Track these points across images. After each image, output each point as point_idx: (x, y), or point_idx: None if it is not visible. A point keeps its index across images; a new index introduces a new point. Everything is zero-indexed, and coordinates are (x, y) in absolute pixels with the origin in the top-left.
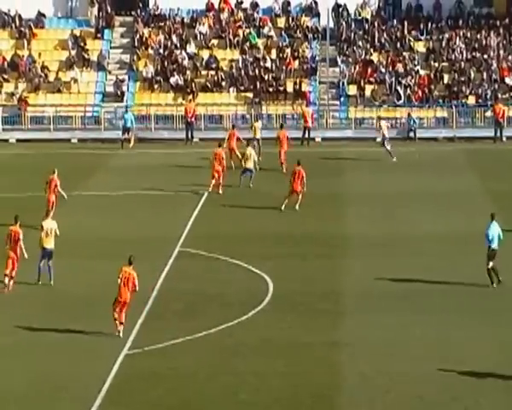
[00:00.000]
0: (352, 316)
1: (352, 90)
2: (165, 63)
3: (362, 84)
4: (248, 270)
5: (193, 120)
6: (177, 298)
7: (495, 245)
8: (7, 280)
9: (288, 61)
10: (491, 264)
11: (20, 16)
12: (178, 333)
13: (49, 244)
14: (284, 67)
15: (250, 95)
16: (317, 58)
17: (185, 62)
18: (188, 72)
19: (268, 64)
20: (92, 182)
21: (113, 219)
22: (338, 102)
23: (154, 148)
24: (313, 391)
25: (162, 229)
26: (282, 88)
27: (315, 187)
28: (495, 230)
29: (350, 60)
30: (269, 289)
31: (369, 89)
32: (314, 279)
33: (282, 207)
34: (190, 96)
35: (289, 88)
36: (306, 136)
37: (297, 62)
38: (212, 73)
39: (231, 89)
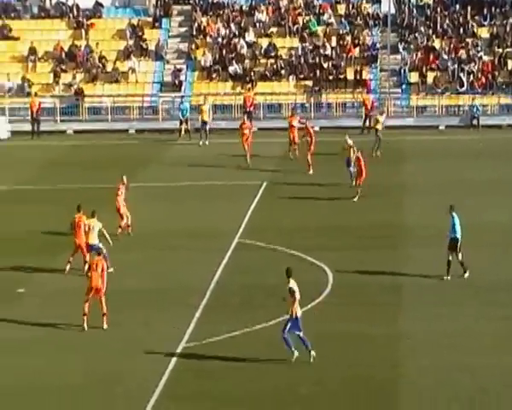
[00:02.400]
0: (413, 308)
1: (414, 77)
2: (224, 52)
3: (424, 71)
4: (307, 261)
5: (251, 109)
6: (235, 290)
7: (455, 235)
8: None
9: (348, 48)
10: (451, 256)
11: (77, 6)
12: (236, 326)
13: (93, 240)
14: (344, 55)
15: (309, 83)
16: (377, 45)
17: (244, 51)
18: (246, 60)
19: (328, 52)
20: (149, 173)
21: (170, 210)
22: (399, 90)
23: (212, 138)
24: (374, 384)
25: (220, 220)
26: (342, 76)
27: (376, 176)
28: (456, 220)
29: (411, 46)
30: (328, 280)
31: (431, 76)
32: (374, 271)
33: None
34: (249, 85)
35: (350, 76)
36: (367, 124)
37: (357, 50)
38: (272, 61)
39: (290, 77)
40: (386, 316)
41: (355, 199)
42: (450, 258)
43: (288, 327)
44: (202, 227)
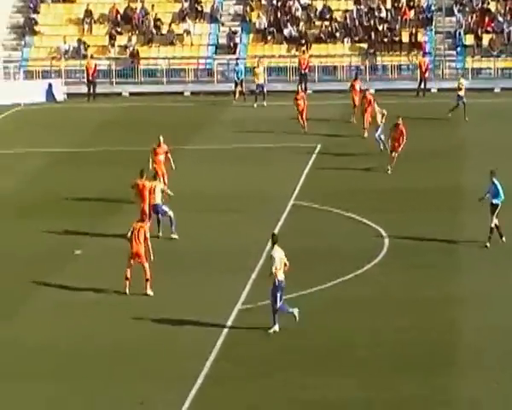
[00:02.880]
0: (469, 270)
1: (469, 39)
2: (279, 14)
3: (479, 33)
4: (363, 223)
5: (306, 71)
6: (290, 252)
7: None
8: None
9: (403, 10)
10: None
11: None
12: (292, 288)
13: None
14: (399, 17)
15: (364, 46)
16: (432, 7)
17: (298, 13)
18: (301, 23)
19: (383, 14)
20: (204, 135)
21: (224, 173)
22: (454, 53)
23: (267, 100)
24: (430, 347)
25: (275, 183)
26: (397, 38)
27: (431, 139)
28: (498, 186)
29: (467, 9)
30: (384, 242)
31: (486, 38)
32: (430, 233)
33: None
34: (304, 48)
35: (404, 38)
36: (422, 86)
37: (412, 12)
38: (326, 23)
39: (345, 40)
40: (442, 279)
41: (389, 171)
42: (493, 224)
43: (278, 297)
44: (257, 190)
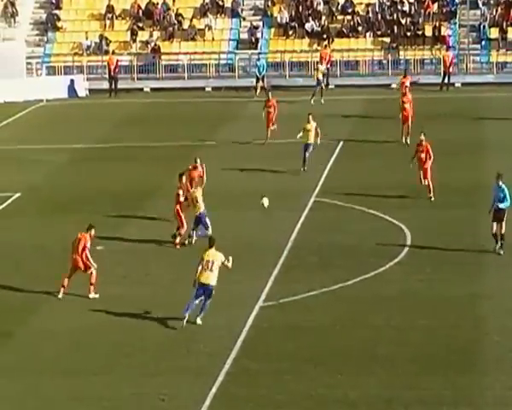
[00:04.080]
0: (494, 268)
1: (494, 33)
2: (300, 8)
3: (504, 26)
4: (385, 220)
5: (328, 66)
6: (312, 249)
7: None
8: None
9: (426, 4)
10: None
11: None
12: (314, 285)
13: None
14: (423, 11)
15: (387, 40)
16: (457, 0)
17: (320, 7)
18: (323, 17)
19: (406, 8)
20: (226, 131)
21: (246, 169)
22: (479, 46)
23: (289, 95)
24: (454, 346)
25: (296, 179)
26: (420, 32)
27: (454, 134)
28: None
29: (491, 2)
30: (407, 239)
31: (511, 32)
32: (453, 230)
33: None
34: (326, 42)
35: (428, 32)
36: (446, 81)
37: (436, 5)
38: (348, 17)
39: (368, 34)
40: (467, 277)
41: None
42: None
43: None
44: (279, 186)
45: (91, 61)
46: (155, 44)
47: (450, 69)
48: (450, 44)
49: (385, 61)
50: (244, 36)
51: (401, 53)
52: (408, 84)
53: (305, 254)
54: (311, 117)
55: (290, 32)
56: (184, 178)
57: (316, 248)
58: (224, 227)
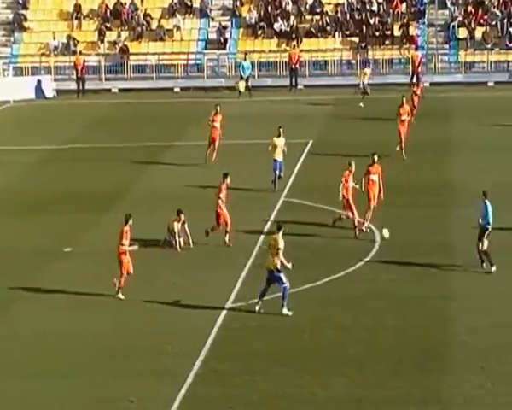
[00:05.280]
0: (463, 269)
1: (462, 33)
2: (269, 9)
3: (472, 26)
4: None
5: (297, 66)
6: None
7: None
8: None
9: (395, 3)
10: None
11: None
12: None
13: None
14: (391, 11)
15: (356, 40)
16: (425, 0)
17: (289, 7)
18: (292, 17)
19: (374, 7)
20: (194, 131)
21: (216, 169)
22: (447, 46)
23: (258, 95)
24: (423, 346)
25: (265, 179)
26: (388, 32)
27: (423, 134)
28: (489, 208)
29: (460, 1)
30: (376, 239)
31: (479, 31)
32: (422, 230)
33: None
34: (294, 42)
35: (396, 32)
36: (414, 80)
37: (404, 5)
38: (317, 17)
39: (336, 34)
40: (436, 276)
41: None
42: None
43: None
44: (248, 186)
45: (59, 62)
46: (123, 45)
47: (419, 69)
48: (419, 44)
49: (354, 61)
50: (213, 36)
51: (370, 53)
52: (419, 92)
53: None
54: (281, 130)
55: (259, 32)
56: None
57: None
58: (193, 228)
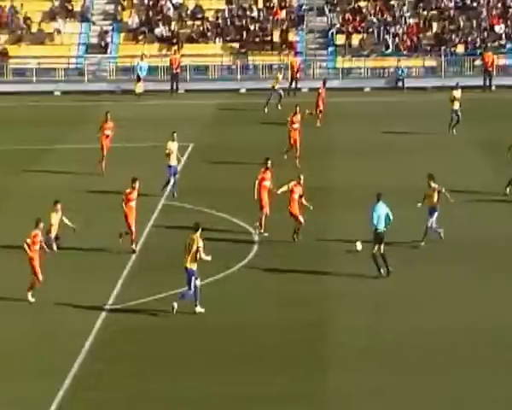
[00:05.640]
0: (341, 268)
1: (340, 39)
2: (150, 14)
3: (350, 33)
4: (234, 223)
5: (178, 71)
6: (161, 252)
7: (381, 227)
8: None
9: (275, 10)
10: (376, 248)
11: None
12: (162, 288)
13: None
14: (271, 17)
15: (236, 45)
16: (304, 7)
17: (170, 13)
18: (173, 22)
19: (254, 14)
20: (76, 135)
21: (96, 172)
22: (325, 52)
23: (139, 100)
24: (303, 344)
25: (146, 182)
26: (268, 38)
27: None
28: (381, 211)
29: (338, 8)
30: (255, 241)
31: (356, 38)
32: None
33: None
34: (175, 47)
35: (276, 38)
36: (293, 86)
37: (284, 12)
38: (198, 23)
39: (217, 39)
40: (316, 276)
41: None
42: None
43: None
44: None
45: None
46: (3, 48)
47: (298, 74)
48: (298, 50)
49: (234, 67)
50: (94, 40)
51: (250, 58)
52: (323, 94)
53: (154, 257)
54: (175, 135)
55: (140, 37)
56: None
57: (165, 251)
58: (82, 230)
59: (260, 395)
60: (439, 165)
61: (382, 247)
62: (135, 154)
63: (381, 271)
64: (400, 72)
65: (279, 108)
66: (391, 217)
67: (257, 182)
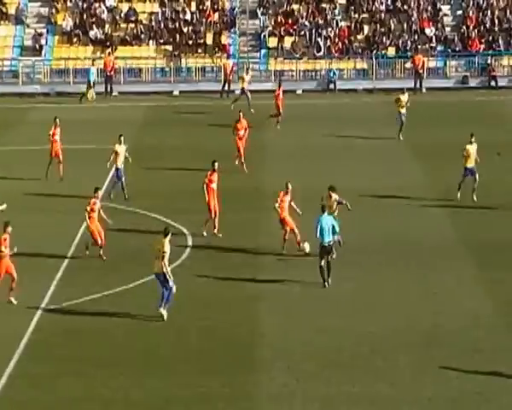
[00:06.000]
0: (271, 271)
1: (273, 42)
2: (84, 16)
3: (282, 36)
4: (167, 223)
5: (112, 73)
6: (95, 253)
7: (328, 240)
8: None
9: (207, 13)
10: (323, 262)
11: None
12: (96, 288)
13: None
14: (204, 20)
15: (169, 48)
16: (236, 10)
17: (104, 15)
18: (107, 25)
19: (188, 16)
20: (9, 137)
21: (33, 173)
22: (258, 55)
23: (73, 102)
24: (232, 346)
25: (80, 183)
26: (201, 41)
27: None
28: (327, 222)
29: (270, 11)
30: (188, 242)
31: (289, 41)
32: (232, 234)
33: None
34: (109, 50)
35: (209, 41)
36: (226, 88)
37: (217, 15)
38: (132, 26)
39: (151, 42)
40: (245, 277)
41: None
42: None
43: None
44: (63, 189)
45: None
46: None
47: (231, 77)
48: (231, 53)
49: (167, 69)
50: (28, 43)
51: (183, 61)
52: (281, 95)
53: (89, 257)
54: (122, 138)
55: (74, 40)
56: None
57: (99, 251)
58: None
59: (191, 396)
60: (374, 168)
61: (330, 258)
62: (69, 156)
63: (326, 284)
64: (332, 74)
65: (252, 111)
66: (337, 229)
67: (204, 185)
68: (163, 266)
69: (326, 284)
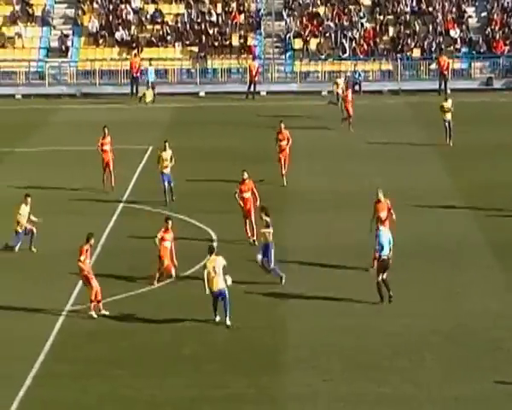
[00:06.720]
0: (299, 271)
1: (298, 43)
2: (110, 18)
3: (307, 37)
4: (193, 225)
5: (138, 74)
6: (120, 254)
7: (387, 253)
8: None
9: (233, 15)
10: (380, 276)
11: None
12: (121, 289)
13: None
14: (230, 21)
15: (195, 49)
16: (262, 12)
17: (130, 17)
18: (133, 26)
19: (213, 18)
20: (36, 138)
21: (55, 174)
22: (283, 56)
23: (99, 103)
24: (257, 347)
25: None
26: (227, 42)
27: (259, 141)
28: (386, 236)
29: (295, 13)
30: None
31: (314, 42)
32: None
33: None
34: (135, 51)
35: (235, 42)
36: (252, 89)
37: (243, 16)
38: (158, 27)
39: (176, 43)
40: (270, 279)
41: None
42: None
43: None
44: (89, 191)
45: None
46: None
47: (256, 78)
48: (256, 54)
49: (193, 70)
50: (54, 44)
51: (209, 62)
52: (350, 97)
53: (113, 258)
54: (167, 144)
55: (100, 41)
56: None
57: (123, 253)
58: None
59: (217, 396)
60: (398, 168)
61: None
62: (95, 157)
63: (387, 300)
64: (357, 75)
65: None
66: (391, 241)
67: (157, 240)
68: (227, 281)
69: (389, 299)
